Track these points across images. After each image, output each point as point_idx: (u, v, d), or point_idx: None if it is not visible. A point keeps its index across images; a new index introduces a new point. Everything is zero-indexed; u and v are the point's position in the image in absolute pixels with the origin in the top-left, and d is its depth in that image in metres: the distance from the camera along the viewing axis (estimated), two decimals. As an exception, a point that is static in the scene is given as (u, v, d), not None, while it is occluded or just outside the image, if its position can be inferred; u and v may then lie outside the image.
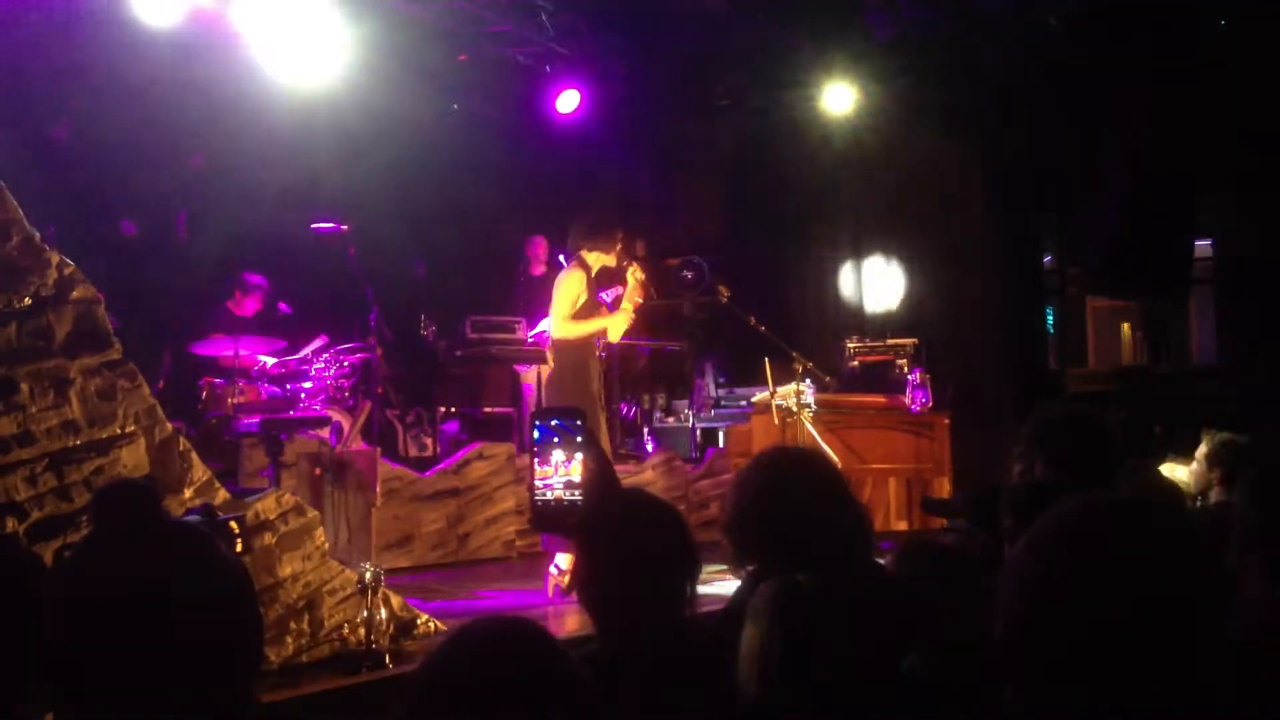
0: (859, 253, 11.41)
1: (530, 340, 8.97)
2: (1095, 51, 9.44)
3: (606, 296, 6.87)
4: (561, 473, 1.80)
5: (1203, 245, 10.51)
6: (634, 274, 6.69)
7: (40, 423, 4.09)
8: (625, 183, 11.23)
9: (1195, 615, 1.40)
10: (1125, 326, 11.73)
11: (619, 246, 6.62)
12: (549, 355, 6.63)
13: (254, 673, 1.67)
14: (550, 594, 6.02)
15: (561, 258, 6.90)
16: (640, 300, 6.72)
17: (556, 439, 1.86)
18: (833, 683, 2.07)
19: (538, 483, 1.82)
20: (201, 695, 1.56)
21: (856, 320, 10.96)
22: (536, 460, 1.86)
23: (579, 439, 1.83)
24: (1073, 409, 3.66)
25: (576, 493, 1.79)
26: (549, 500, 1.84)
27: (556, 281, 6.65)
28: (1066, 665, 1.40)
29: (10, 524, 3.89)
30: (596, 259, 6.50)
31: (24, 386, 4.08)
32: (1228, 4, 9.30)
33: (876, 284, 11.27)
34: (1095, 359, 11.45)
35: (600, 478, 1.77)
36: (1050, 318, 11.25)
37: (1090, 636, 1.38)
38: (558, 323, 6.49)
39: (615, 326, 6.56)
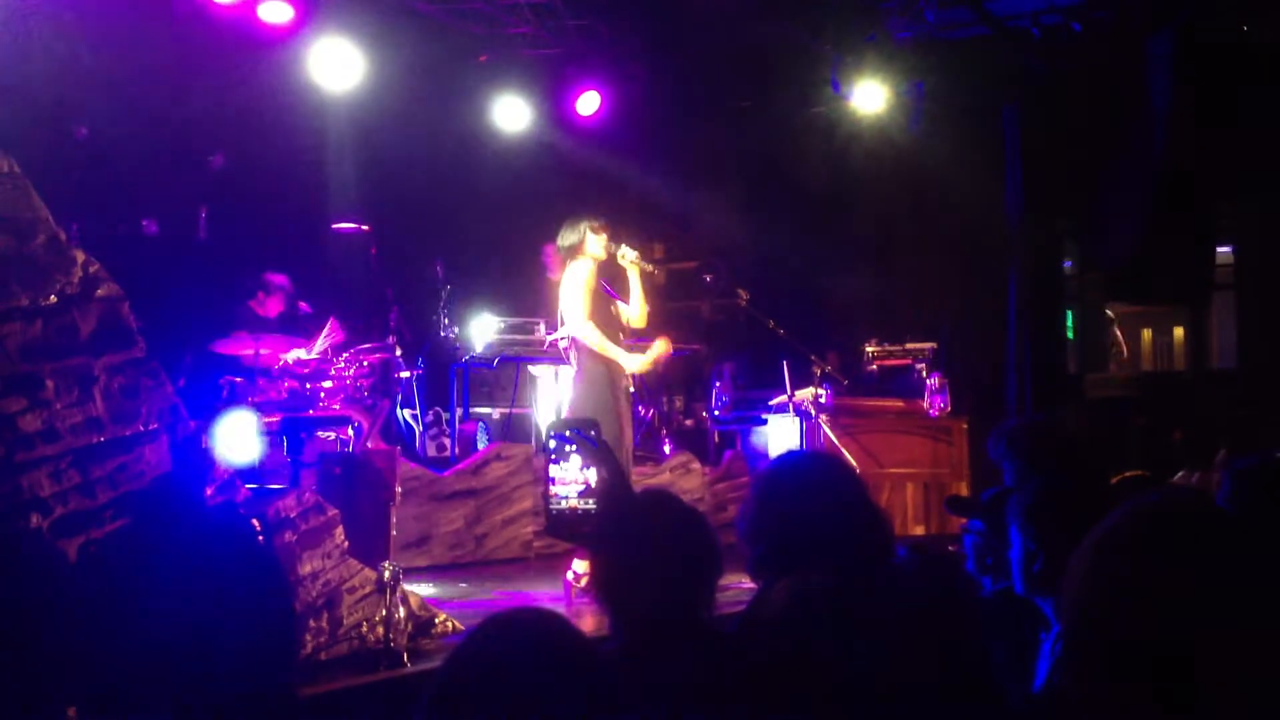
0: (878, 256, 11.39)
1: (550, 342, 9.00)
2: (1118, 55, 9.41)
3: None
4: (577, 481, 1.80)
5: (1224, 251, 10.47)
6: (623, 257, 6.58)
7: (65, 419, 4.12)
8: (645, 185, 11.24)
9: (1260, 614, 1.41)
10: (1146, 332, 11.69)
11: (604, 236, 6.53)
12: (571, 355, 6.59)
13: (293, 661, 1.69)
14: (571, 596, 6.02)
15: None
16: (648, 270, 6.68)
17: (572, 448, 1.86)
18: (849, 686, 2.08)
19: (553, 491, 1.82)
20: (246, 683, 1.58)
21: (875, 324, 10.94)
22: (552, 468, 1.86)
23: (594, 448, 1.83)
24: (1034, 421, 3.72)
25: (591, 501, 1.79)
26: (564, 509, 1.85)
27: (563, 281, 6.55)
28: (1134, 663, 1.41)
29: (34, 519, 3.92)
30: (591, 256, 6.47)
31: (49, 383, 4.12)
32: (1249, 7, 9.26)
33: (896, 288, 11.25)
34: (1115, 364, 11.41)
35: (615, 487, 1.78)
36: (1070, 322, 11.21)
37: (1157, 634, 1.40)
38: (580, 320, 6.40)
39: (631, 363, 6.50)
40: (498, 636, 1.46)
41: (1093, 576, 1.50)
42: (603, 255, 6.50)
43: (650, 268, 6.81)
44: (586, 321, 6.38)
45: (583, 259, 6.48)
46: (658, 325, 6.78)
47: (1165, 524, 1.51)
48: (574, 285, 6.46)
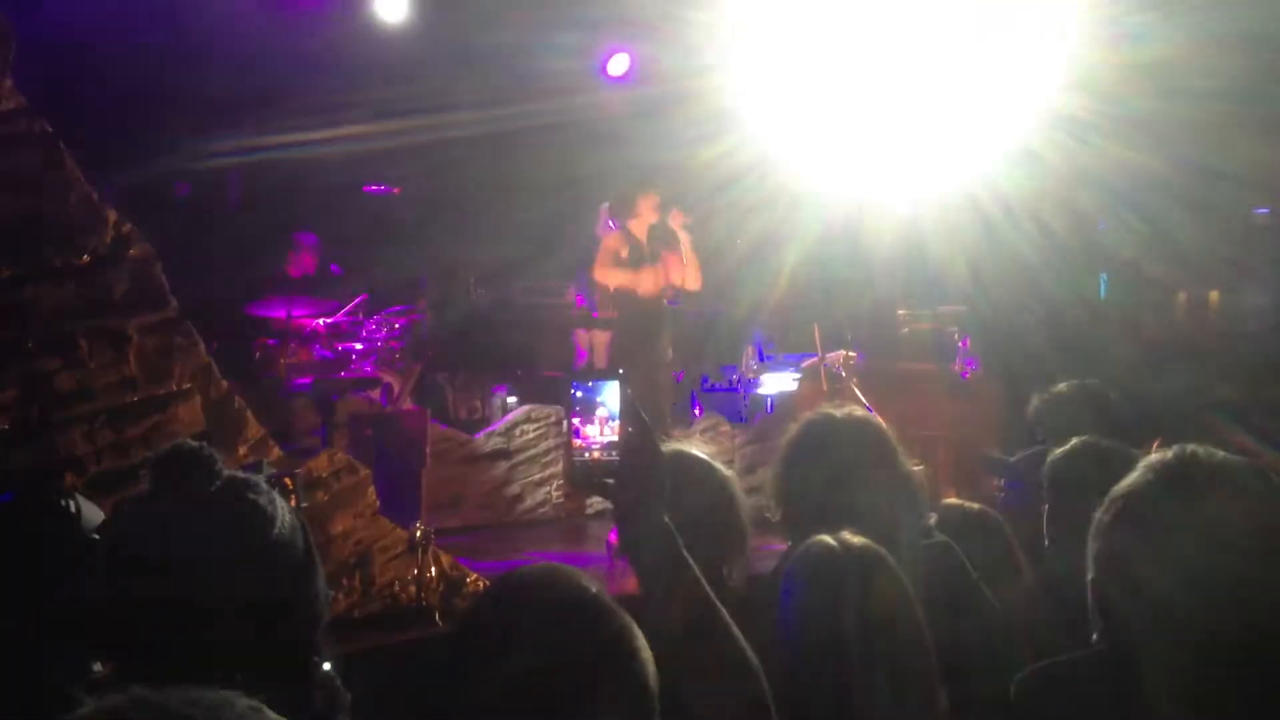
0: (910, 216, 11.28)
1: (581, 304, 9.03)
2: (1158, 13, 9.25)
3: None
4: (601, 434, 1.79)
5: (1260, 213, 10.34)
6: (672, 221, 6.79)
7: (99, 379, 4.15)
8: (675, 146, 11.17)
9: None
10: (1181, 295, 11.55)
11: (656, 203, 6.70)
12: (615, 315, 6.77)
13: (315, 623, 1.69)
14: (612, 556, 6.03)
15: (611, 224, 6.99)
16: (688, 236, 6.82)
17: (596, 399, 1.85)
18: (870, 642, 2.08)
19: (576, 442, 1.81)
20: (262, 648, 1.59)
21: (907, 286, 10.85)
22: (575, 421, 1.85)
23: (618, 399, 1.81)
24: (1076, 386, 3.70)
25: (614, 453, 1.78)
26: (586, 460, 1.84)
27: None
28: (1155, 613, 1.42)
29: (69, 478, 3.96)
30: (641, 223, 6.67)
31: (83, 343, 4.15)
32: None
33: (927, 250, 11.15)
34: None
35: (638, 439, 1.77)
36: (1104, 284, 11.09)
37: (1175, 587, 1.41)
38: (597, 268, 6.68)
39: (644, 280, 6.62)
40: (511, 593, 1.46)
41: (1114, 531, 1.51)
42: (654, 218, 6.67)
43: (690, 237, 6.93)
44: (599, 268, 6.77)
45: (631, 222, 6.62)
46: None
47: (1181, 479, 1.51)
48: (602, 248, 6.64)
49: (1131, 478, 1.55)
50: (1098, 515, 1.57)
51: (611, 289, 6.61)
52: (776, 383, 9.74)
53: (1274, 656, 1.39)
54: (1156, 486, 1.52)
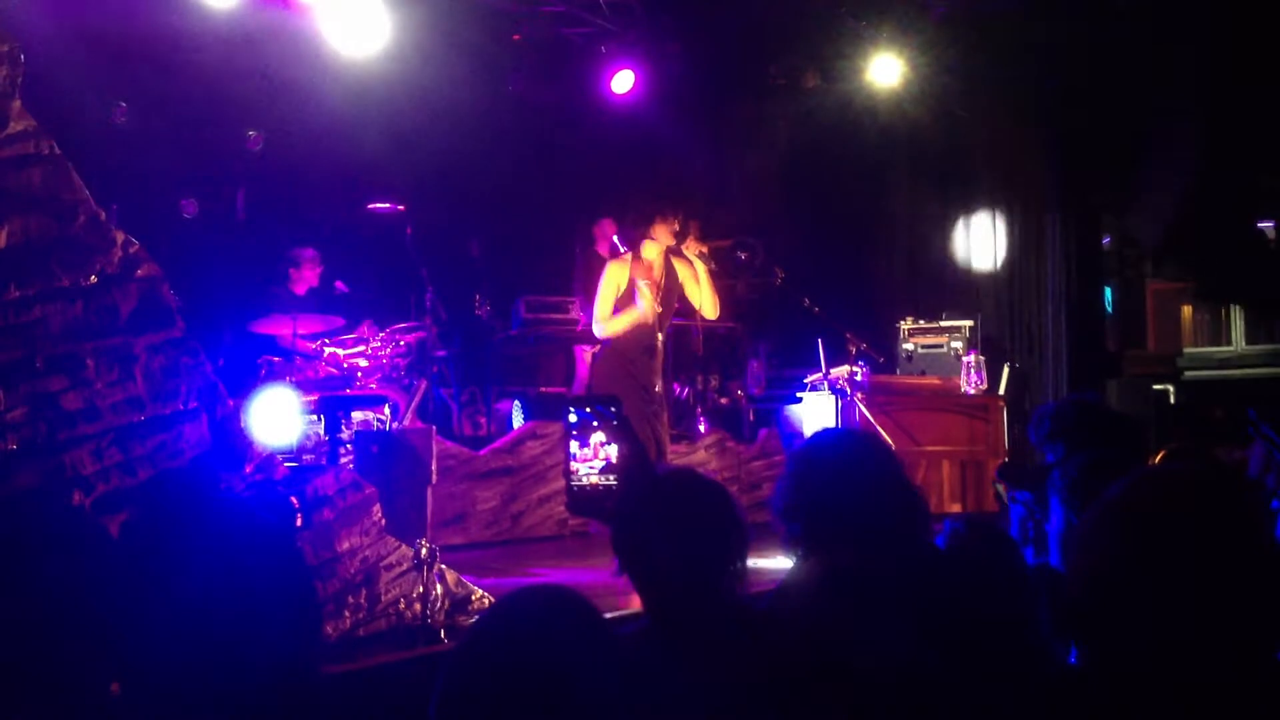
0: (912, 233, 11.31)
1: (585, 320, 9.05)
2: (1159, 27, 9.27)
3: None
4: (598, 458, 1.79)
5: (1265, 226, 10.34)
6: (689, 249, 6.70)
7: (106, 398, 4.17)
8: (680, 163, 11.21)
9: (1262, 584, 1.41)
10: (1186, 309, 11.55)
11: (676, 226, 6.60)
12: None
13: (310, 646, 1.70)
14: (616, 574, 6.00)
15: (615, 238, 6.94)
16: (711, 266, 6.74)
17: (593, 424, 1.86)
18: (879, 658, 2.08)
19: (574, 467, 1.82)
20: (255, 669, 1.60)
21: (911, 301, 10.88)
22: (573, 445, 1.86)
23: (614, 424, 1.82)
24: (1078, 400, 3.72)
25: (612, 477, 1.78)
26: (584, 485, 1.85)
27: (602, 275, 6.71)
28: (1132, 628, 1.42)
29: (76, 497, 3.97)
30: (657, 246, 6.59)
31: (90, 363, 4.16)
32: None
33: (931, 264, 11.18)
34: (1155, 341, 11.28)
35: (634, 461, 1.77)
36: (1109, 299, 11.10)
37: (1153, 602, 1.41)
38: (596, 323, 6.62)
39: (626, 319, 6.47)
40: (513, 613, 1.47)
41: (1095, 544, 1.51)
42: (670, 242, 6.59)
43: (713, 265, 6.86)
44: (599, 323, 6.57)
45: (644, 245, 6.61)
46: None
47: (1169, 493, 1.51)
48: (601, 284, 6.63)
49: (1105, 496, 1.55)
50: (1078, 532, 1.57)
51: (607, 325, 6.49)
52: (781, 399, 9.74)
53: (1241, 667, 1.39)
54: (1122, 502, 1.52)
